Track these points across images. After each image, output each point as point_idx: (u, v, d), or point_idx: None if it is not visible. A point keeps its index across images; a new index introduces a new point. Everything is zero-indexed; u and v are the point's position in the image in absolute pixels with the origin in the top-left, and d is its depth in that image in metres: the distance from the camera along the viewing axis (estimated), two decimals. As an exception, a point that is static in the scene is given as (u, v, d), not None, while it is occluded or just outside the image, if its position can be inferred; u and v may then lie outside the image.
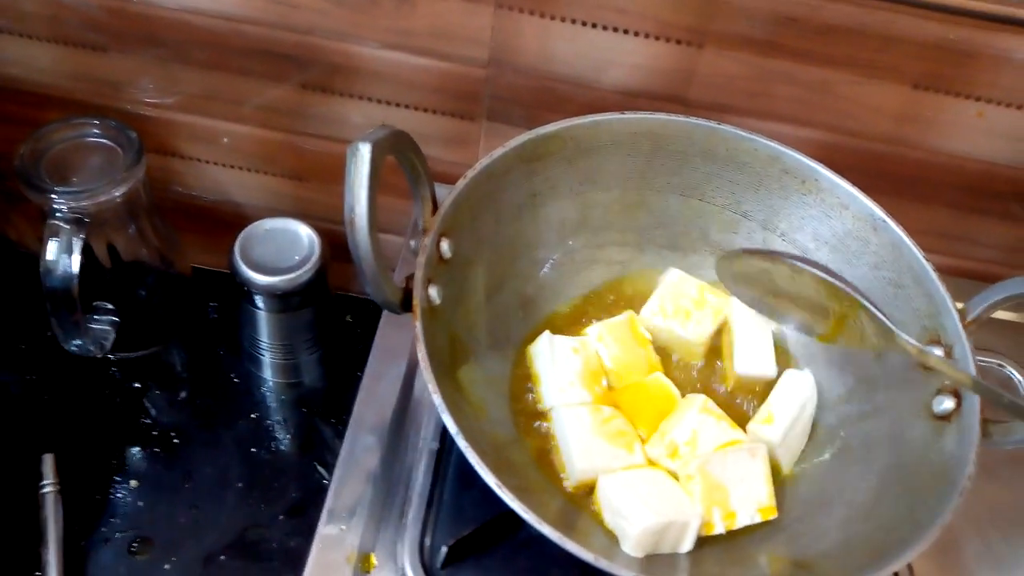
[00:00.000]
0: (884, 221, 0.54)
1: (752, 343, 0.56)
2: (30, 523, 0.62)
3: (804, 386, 0.55)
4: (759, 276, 0.55)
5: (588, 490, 0.50)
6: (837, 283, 0.50)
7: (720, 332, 0.58)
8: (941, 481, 0.45)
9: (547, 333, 0.55)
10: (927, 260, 0.52)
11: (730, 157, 0.57)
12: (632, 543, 0.46)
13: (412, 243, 0.51)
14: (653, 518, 0.46)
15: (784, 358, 0.58)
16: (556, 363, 0.54)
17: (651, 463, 0.51)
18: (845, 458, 0.52)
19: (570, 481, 0.50)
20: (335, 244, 0.71)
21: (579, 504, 0.50)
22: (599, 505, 0.49)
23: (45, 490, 0.64)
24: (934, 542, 0.43)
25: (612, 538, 0.48)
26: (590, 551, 0.40)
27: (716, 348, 0.58)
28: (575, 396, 0.53)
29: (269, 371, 0.74)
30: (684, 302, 0.57)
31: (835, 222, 0.56)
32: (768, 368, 0.56)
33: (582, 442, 0.50)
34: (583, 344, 0.55)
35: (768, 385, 0.55)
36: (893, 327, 0.49)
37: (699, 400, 0.53)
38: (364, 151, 0.41)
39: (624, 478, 0.49)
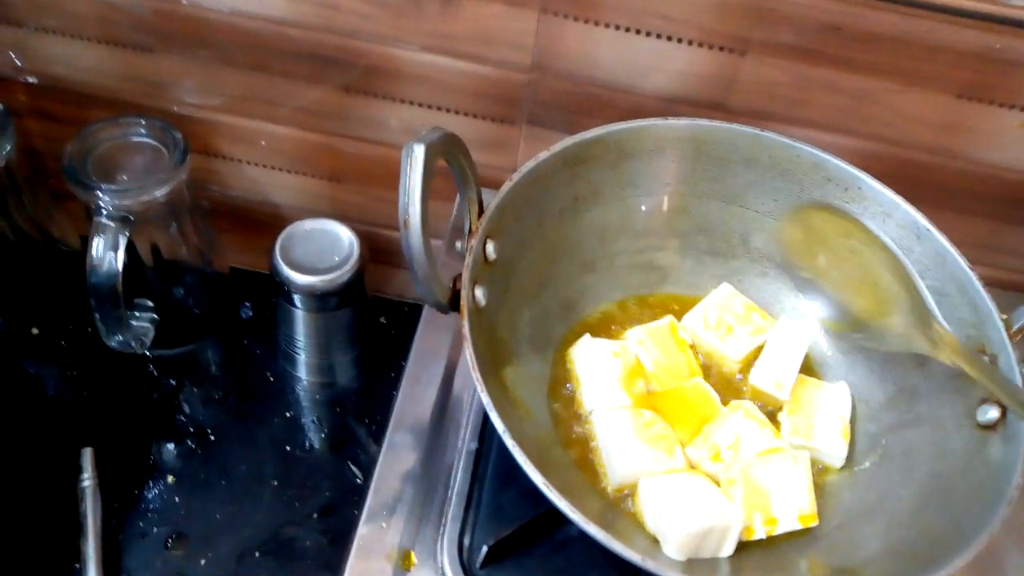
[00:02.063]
0: (928, 230, 0.53)
1: (778, 360, 0.55)
2: (70, 516, 0.63)
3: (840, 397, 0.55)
4: (825, 237, 0.54)
5: (628, 493, 0.50)
6: (904, 260, 0.51)
7: (759, 351, 0.58)
8: (986, 491, 0.45)
9: (588, 336, 0.56)
10: (972, 269, 0.51)
11: (772, 164, 0.57)
12: (674, 546, 0.46)
13: (458, 245, 0.51)
14: (696, 522, 0.46)
15: (824, 368, 0.58)
16: (597, 366, 0.54)
17: (691, 466, 0.51)
18: (886, 467, 0.52)
19: (610, 484, 0.50)
20: (373, 246, 0.72)
21: (619, 507, 0.50)
22: (640, 508, 0.49)
23: (84, 484, 0.65)
24: (979, 550, 0.43)
25: (652, 541, 0.48)
26: (635, 551, 0.40)
27: (751, 366, 0.57)
28: (615, 399, 0.53)
29: (304, 370, 0.75)
30: (728, 317, 0.57)
31: (878, 231, 0.56)
32: (783, 392, 0.55)
33: (623, 445, 0.50)
34: (623, 348, 0.55)
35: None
36: (943, 324, 0.49)
37: (744, 405, 0.53)
38: (419, 152, 0.42)
39: (665, 482, 0.49)
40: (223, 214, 0.79)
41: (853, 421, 0.55)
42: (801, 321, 0.58)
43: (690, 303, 0.59)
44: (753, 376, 0.55)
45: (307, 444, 0.72)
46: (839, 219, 0.55)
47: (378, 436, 0.69)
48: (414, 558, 0.52)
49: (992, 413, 0.48)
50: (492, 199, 0.51)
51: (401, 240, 0.43)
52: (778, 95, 0.62)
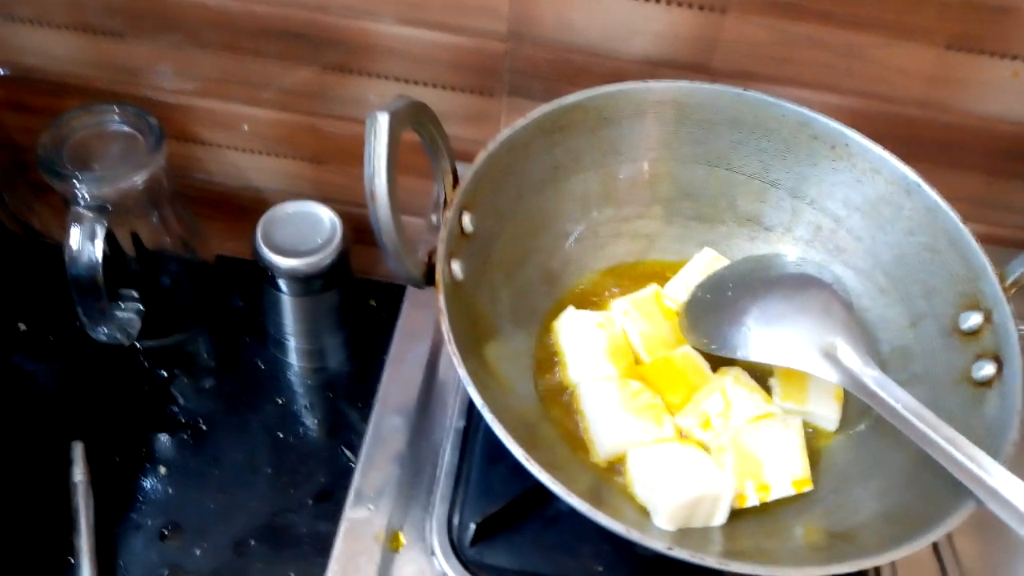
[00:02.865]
0: (918, 185, 0.52)
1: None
2: (62, 511, 0.63)
3: None
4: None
5: (617, 465, 0.49)
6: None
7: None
8: (983, 448, 0.44)
9: (571, 308, 0.55)
10: (964, 223, 0.50)
11: (757, 124, 0.56)
12: (665, 517, 0.45)
13: (434, 218, 0.50)
14: (685, 491, 0.45)
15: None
16: (581, 338, 0.53)
17: (681, 435, 0.50)
18: (881, 429, 0.51)
19: (599, 456, 0.50)
20: (357, 227, 0.71)
21: (608, 479, 0.49)
22: (630, 479, 0.48)
23: (76, 478, 0.64)
24: (974, 512, 0.42)
25: (643, 512, 0.47)
26: (622, 523, 0.39)
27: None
28: (601, 371, 0.52)
29: (294, 356, 0.74)
30: (711, 282, 0.56)
31: (867, 187, 0.54)
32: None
33: (610, 417, 0.49)
34: (608, 319, 0.54)
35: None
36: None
37: (732, 371, 0.51)
38: (382, 121, 0.41)
39: (654, 452, 0.48)
40: (206, 201, 0.78)
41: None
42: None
43: (678, 270, 0.58)
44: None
45: (300, 430, 0.71)
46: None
47: (370, 417, 0.69)
48: (402, 539, 0.51)
49: (988, 369, 0.47)
50: (467, 170, 0.50)
51: (369, 213, 0.42)
52: (762, 54, 0.61)
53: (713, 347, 0.51)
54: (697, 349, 0.53)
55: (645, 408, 0.50)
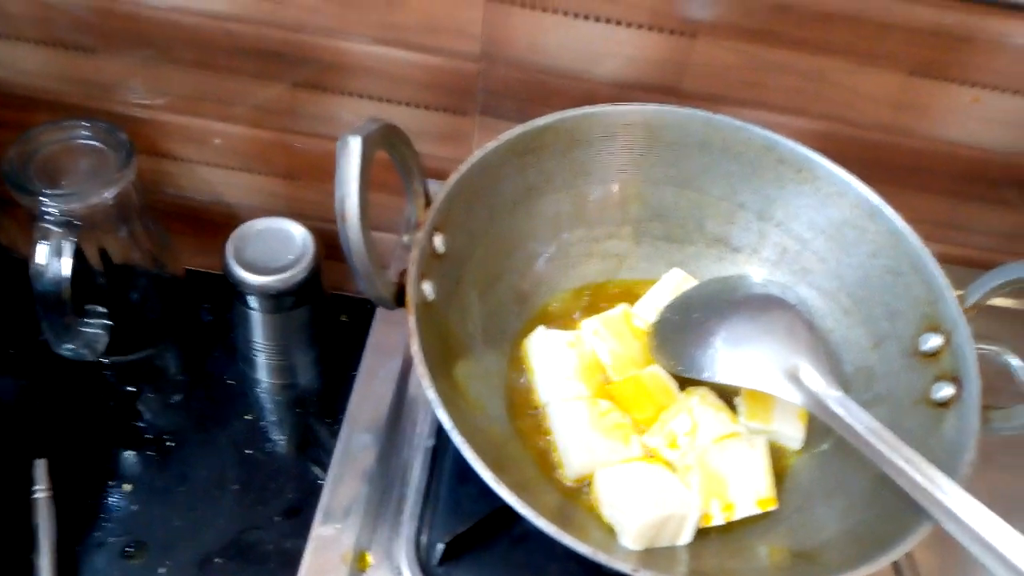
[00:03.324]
0: (881, 208, 0.53)
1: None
2: (23, 529, 0.62)
3: None
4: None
5: (586, 484, 0.50)
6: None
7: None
8: (941, 468, 0.45)
9: (542, 328, 0.55)
10: (925, 246, 0.51)
11: (725, 147, 0.56)
12: (631, 536, 0.46)
13: (405, 238, 0.50)
14: (651, 511, 0.46)
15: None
16: (552, 358, 0.53)
17: (649, 455, 0.51)
18: (845, 448, 0.51)
19: (568, 476, 0.50)
20: (329, 243, 0.71)
21: (577, 499, 0.49)
22: (597, 499, 0.48)
23: (37, 495, 0.63)
24: (934, 530, 0.42)
25: (610, 532, 0.47)
26: (588, 544, 0.40)
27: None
28: (571, 390, 0.52)
29: (264, 372, 0.74)
30: (679, 302, 0.56)
31: (831, 210, 0.55)
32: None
33: (579, 436, 0.50)
34: (578, 338, 0.55)
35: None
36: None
37: (699, 391, 0.52)
38: (354, 144, 0.41)
39: (622, 471, 0.49)
40: (177, 216, 0.78)
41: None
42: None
43: (647, 288, 0.58)
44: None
45: (268, 446, 0.70)
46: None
47: (339, 436, 0.69)
48: (370, 559, 0.51)
49: (947, 390, 0.48)
50: (439, 191, 0.50)
51: (339, 235, 0.42)
52: (732, 78, 0.62)
53: (680, 368, 0.52)
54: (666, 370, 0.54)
55: (613, 428, 0.50)
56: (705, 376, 0.50)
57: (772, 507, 0.49)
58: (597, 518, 0.48)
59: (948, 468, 0.43)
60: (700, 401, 0.51)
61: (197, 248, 0.78)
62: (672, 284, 0.57)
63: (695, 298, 0.56)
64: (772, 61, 0.60)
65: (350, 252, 0.42)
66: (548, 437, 0.51)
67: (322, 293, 0.70)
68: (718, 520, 0.48)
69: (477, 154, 0.52)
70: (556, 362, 0.53)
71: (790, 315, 0.52)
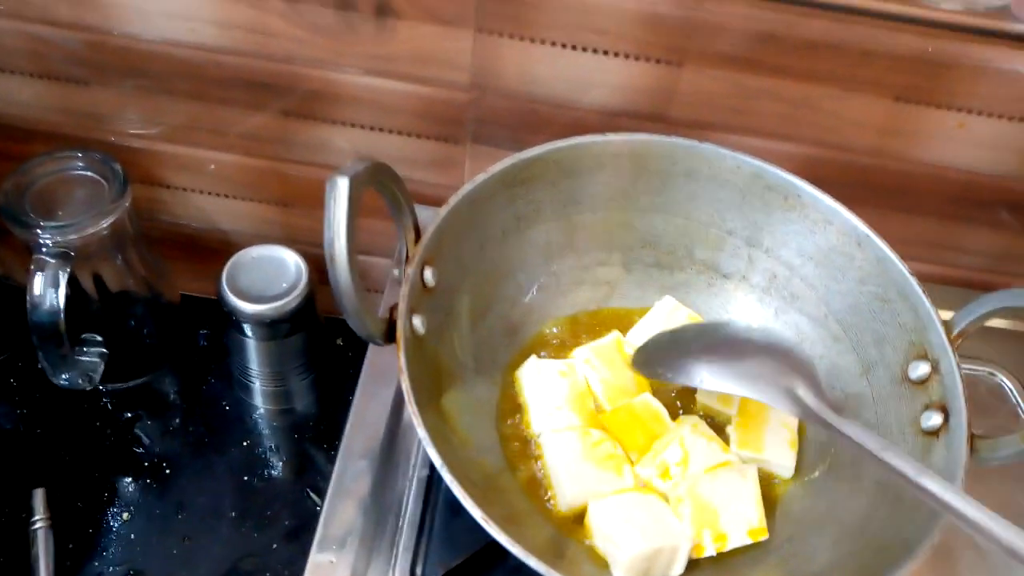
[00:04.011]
0: (868, 236, 0.53)
1: None
2: (21, 560, 0.62)
3: None
4: None
5: (579, 516, 0.50)
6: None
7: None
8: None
9: (534, 358, 0.55)
10: (912, 275, 0.52)
11: (712, 175, 0.57)
12: (623, 568, 0.46)
13: (396, 272, 0.51)
14: (643, 544, 0.46)
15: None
16: (543, 388, 0.54)
17: (641, 485, 0.51)
18: (835, 476, 0.52)
19: (560, 507, 0.50)
20: (323, 268, 0.71)
21: (569, 530, 0.50)
22: (590, 531, 0.49)
23: (36, 526, 0.63)
24: (925, 558, 0.43)
25: (602, 564, 0.48)
26: (578, 581, 0.40)
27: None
28: (563, 421, 0.53)
29: (260, 398, 0.74)
30: (671, 330, 0.57)
31: (819, 237, 0.56)
32: (731, 408, 0.55)
33: (571, 468, 0.50)
34: (570, 367, 0.55)
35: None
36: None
37: (691, 420, 0.52)
38: (342, 185, 0.41)
39: (614, 503, 0.49)
40: (172, 243, 0.78)
41: (801, 431, 0.55)
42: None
43: (639, 317, 0.59)
44: (700, 392, 0.55)
45: (266, 473, 0.71)
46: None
47: (335, 464, 0.69)
48: (365, 590, 0.51)
49: (935, 419, 0.48)
50: (429, 225, 0.50)
51: (328, 276, 0.43)
52: (719, 105, 0.62)
53: (668, 375, 0.51)
54: (650, 379, 0.54)
55: (606, 458, 0.51)
56: (695, 383, 0.49)
57: (763, 537, 0.49)
58: (589, 550, 0.48)
59: (936, 499, 0.44)
60: (692, 431, 0.52)
61: (192, 274, 0.79)
62: (664, 312, 0.58)
63: (688, 329, 0.56)
64: (758, 88, 0.61)
65: (339, 293, 0.43)
66: (541, 468, 0.52)
67: (317, 319, 0.70)
68: (710, 551, 0.48)
69: (467, 187, 0.52)
70: (548, 391, 0.53)
71: (786, 347, 0.52)
